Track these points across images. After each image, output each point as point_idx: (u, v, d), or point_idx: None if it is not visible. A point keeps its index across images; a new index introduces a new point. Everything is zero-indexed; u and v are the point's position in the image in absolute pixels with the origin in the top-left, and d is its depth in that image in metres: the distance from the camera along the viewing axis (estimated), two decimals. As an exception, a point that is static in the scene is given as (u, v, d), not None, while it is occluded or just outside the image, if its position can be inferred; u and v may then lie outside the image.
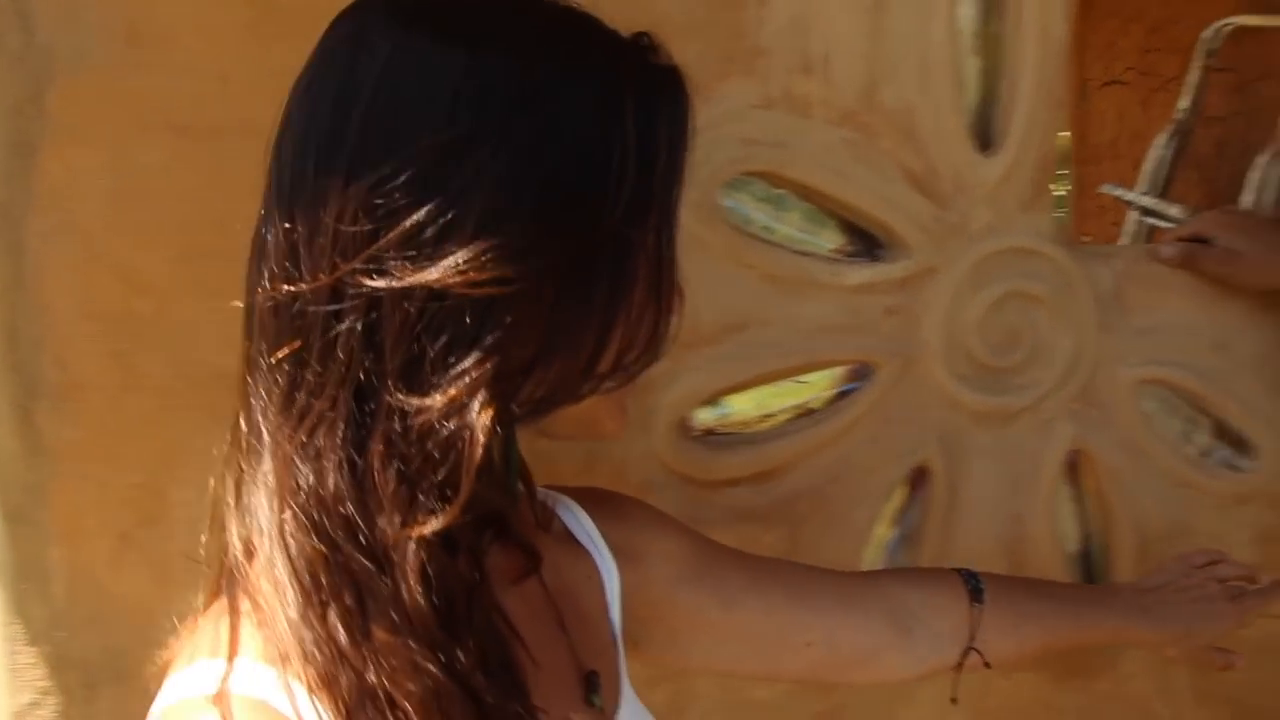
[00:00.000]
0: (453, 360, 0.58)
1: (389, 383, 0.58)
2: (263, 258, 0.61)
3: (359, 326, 0.58)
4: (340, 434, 0.59)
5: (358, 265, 0.58)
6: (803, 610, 0.91)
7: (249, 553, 0.61)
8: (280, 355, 0.60)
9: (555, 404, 0.65)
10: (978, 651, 0.98)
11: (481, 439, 0.59)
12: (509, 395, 0.61)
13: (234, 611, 0.61)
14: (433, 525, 0.58)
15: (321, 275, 0.58)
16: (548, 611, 0.75)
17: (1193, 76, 2.84)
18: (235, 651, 0.59)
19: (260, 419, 0.61)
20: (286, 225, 0.60)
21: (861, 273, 1.19)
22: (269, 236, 0.61)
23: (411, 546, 0.58)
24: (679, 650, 0.90)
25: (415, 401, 0.58)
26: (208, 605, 0.66)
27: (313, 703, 0.58)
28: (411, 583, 0.58)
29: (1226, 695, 1.48)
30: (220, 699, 0.57)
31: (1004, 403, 1.25)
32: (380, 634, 0.58)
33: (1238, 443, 1.37)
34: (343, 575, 0.58)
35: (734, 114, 1.10)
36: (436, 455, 0.59)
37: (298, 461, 0.59)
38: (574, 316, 0.62)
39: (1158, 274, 1.28)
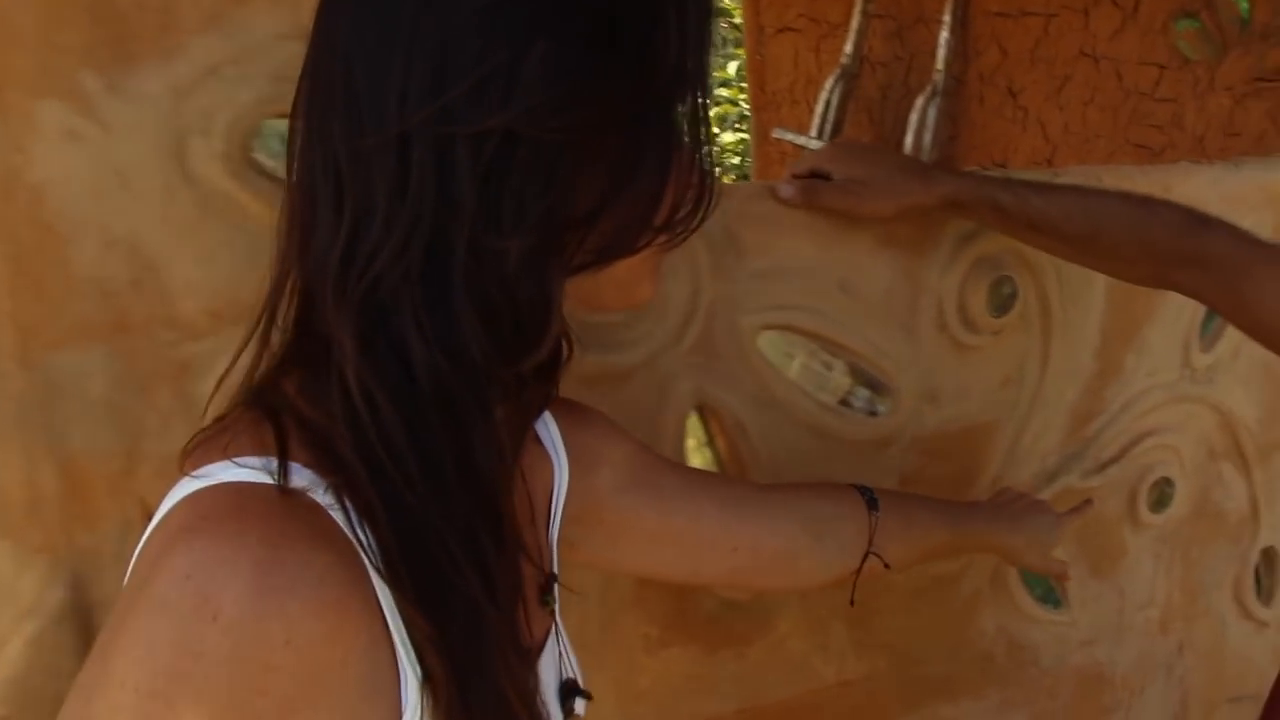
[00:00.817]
0: (526, 206, 0.59)
1: (465, 230, 0.58)
2: (314, 112, 0.61)
3: (431, 176, 0.58)
4: (414, 282, 0.59)
5: (428, 112, 0.57)
6: (731, 518, 0.97)
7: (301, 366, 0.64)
8: (344, 210, 0.60)
9: (614, 255, 0.65)
10: (877, 555, 1.05)
11: (558, 282, 0.62)
12: (577, 243, 0.63)
13: (276, 419, 0.62)
14: (522, 363, 0.62)
15: (389, 126, 0.58)
16: (522, 506, 0.76)
17: (855, 23, 2.85)
18: (286, 453, 0.60)
19: (320, 276, 0.61)
20: (347, 76, 0.59)
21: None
22: (322, 89, 0.61)
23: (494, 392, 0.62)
24: (614, 552, 0.93)
25: (495, 244, 0.59)
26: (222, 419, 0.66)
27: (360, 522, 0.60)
28: (483, 431, 0.61)
29: (882, 643, 1.44)
30: (283, 491, 0.59)
31: (614, 361, 1.14)
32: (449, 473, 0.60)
33: (873, 386, 1.32)
34: (410, 407, 0.60)
35: (259, 47, 0.92)
36: (517, 299, 0.60)
37: (370, 312, 0.59)
38: (634, 165, 0.62)
39: (774, 214, 1.20)
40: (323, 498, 0.60)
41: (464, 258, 0.59)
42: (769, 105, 3.34)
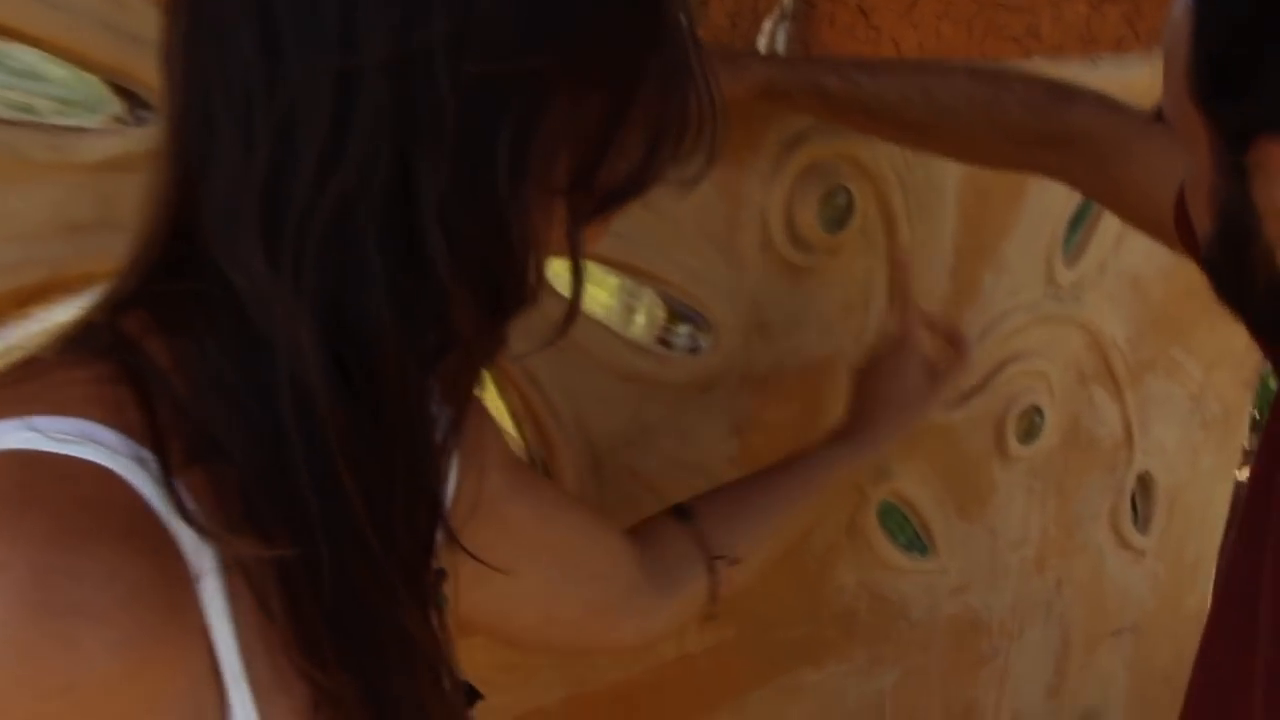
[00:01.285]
0: (514, 142, 0.48)
1: (438, 165, 0.47)
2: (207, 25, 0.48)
3: (389, 101, 0.46)
4: (374, 229, 0.47)
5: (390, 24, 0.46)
6: (594, 535, 0.86)
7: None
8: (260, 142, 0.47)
9: (628, 196, 0.56)
10: (720, 558, 0.93)
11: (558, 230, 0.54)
12: (584, 184, 0.53)
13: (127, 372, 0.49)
14: (500, 328, 0.55)
15: (329, 44, 0.46)
16: None
17: (702, -61, 2.66)
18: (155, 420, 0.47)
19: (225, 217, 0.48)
20: None
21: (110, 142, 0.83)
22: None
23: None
24: (476, 571, 0.78)
25: (481, 186, 0.48)
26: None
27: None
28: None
29: (728, 610, 1.28)
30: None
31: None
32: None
33: (691, 319, 1.15)
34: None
35: None
36: (508, 257, 0.51)
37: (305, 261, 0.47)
38: (637, 92, 0.53)
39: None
40: (146, 484, 0.46)
41: (436, 201, 0.47)
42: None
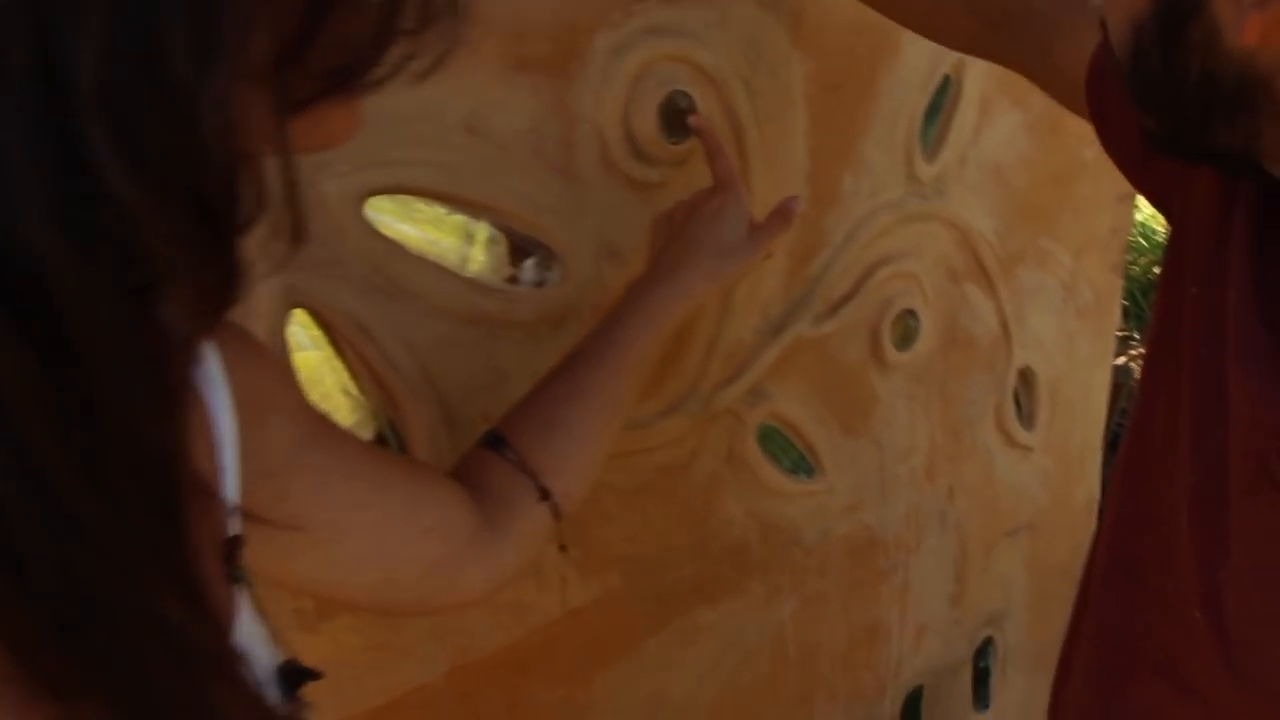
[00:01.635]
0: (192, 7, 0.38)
1: (92, 41, 0.36)
2: None
3: None
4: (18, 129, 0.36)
5: None
6: (419, 487, 0.78)
7: None
8: None
9: (344, 82, 0.47)
10: (547, 490, 0.85)
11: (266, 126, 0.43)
12: (293, 72, 0.44)
13: None
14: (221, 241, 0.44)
15: None
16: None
17: None
18: None
19: None
20: None
21: None
22: None
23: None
24: (292, 542, 0.70)
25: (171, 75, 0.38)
26: None
27: None
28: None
29: (611, 556, 1.21)
30: None
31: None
32: None
33: (537, 252, 1.06)
34: None
35: None
36: (184, 145, 0.39)
37: None
38: None
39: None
40: None
41: (94, 88, 0.37)
42: None
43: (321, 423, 0.73)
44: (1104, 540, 0.92)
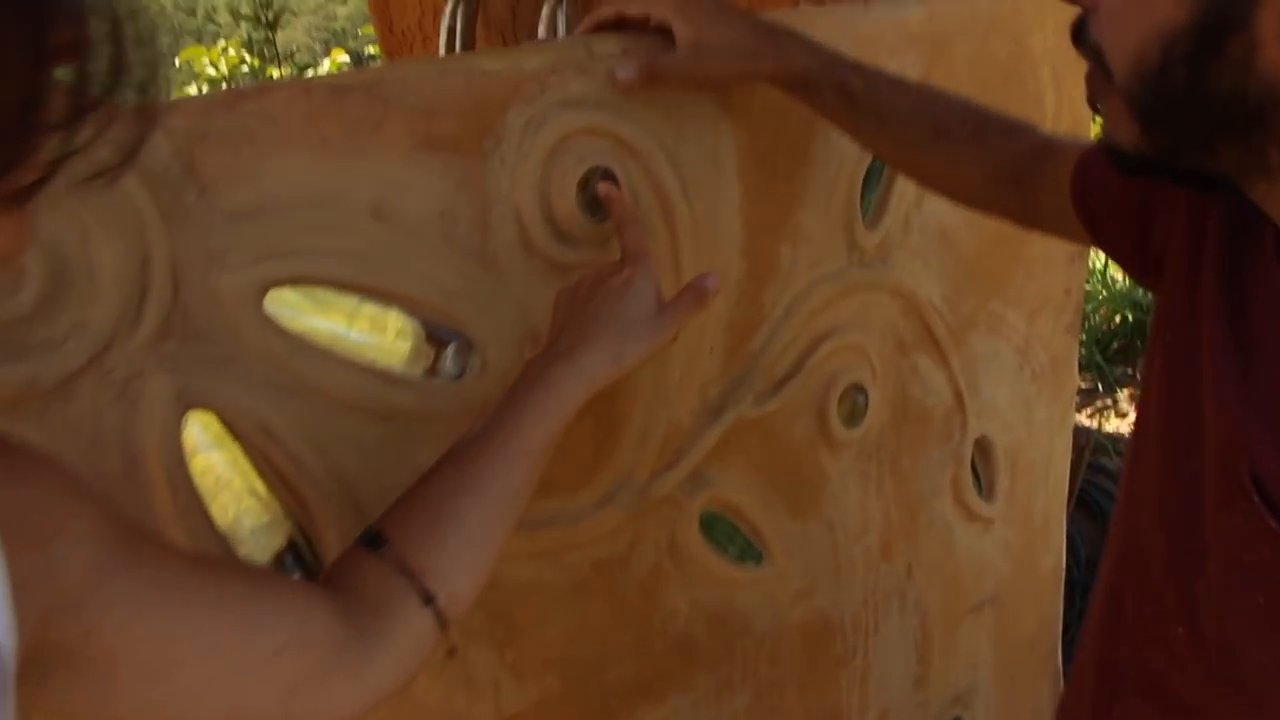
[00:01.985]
0: None
1: None
2: None
3: None
4: None
5: None
6: (265, 602, 0.70)
7: None
8: None
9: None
10: (430, 594, 0.76)
11: None
12: None
13: None
14: None
15: None
16: None
17: (466, -66, 2.51)
18: None
19: None
20: None
21: None
22: None
23: None
24: (110, 682, 0.62)
25: None
26: None
27: None
28: None
29: (548, 658, 1.14)
30: None
31: (36, 373, 0.77)
32: None
33: (453, 341, 1.00)
34: None
35: None
36: None
37: None
38: None
39: (249, 126, 0.85)
40: None
41: None
42: (401, 47, 2.96)
43: (131, 542, 0.65)
44: (1099, 588, 0.94)
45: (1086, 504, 2.93)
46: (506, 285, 0.99)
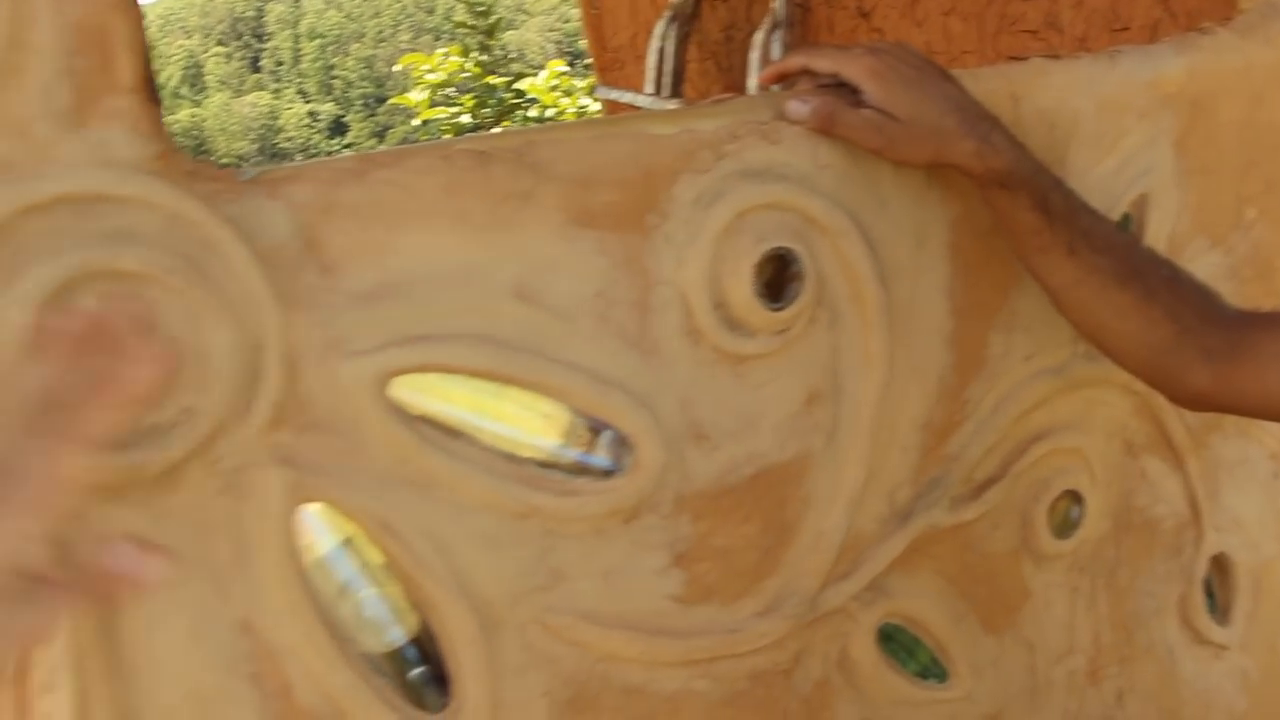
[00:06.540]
0: None
1: None
2: None
3: None
4: None
5: None
6: None
7: None
8: None
9: None
10: None
11: None
12: None
13: None
14: None
15: None
16: None
17: (683, -44, 2.42)
18: None
19: None
20: None
21: None
22: None
23: None
24: None
25: None
26: None
27: None
28: None
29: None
30: None
31: (139, 459, 0.71)
32: None
33: (604, 435, 0.90)
34: None
35: None
36: None
37: None
38: None
39: (383, 197, 0.77)
40: None
41: None
42: (613, 64, 2.90)
43: None
44: None
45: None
46: (668, 376, 0.88)
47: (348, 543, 0.84)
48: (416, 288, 0.78)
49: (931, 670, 1.16)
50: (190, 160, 0.73)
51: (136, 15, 0.71)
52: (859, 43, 1.10)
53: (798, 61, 0.94)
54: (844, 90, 0.91)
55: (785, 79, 0.95)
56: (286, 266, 0.74)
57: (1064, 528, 1.17)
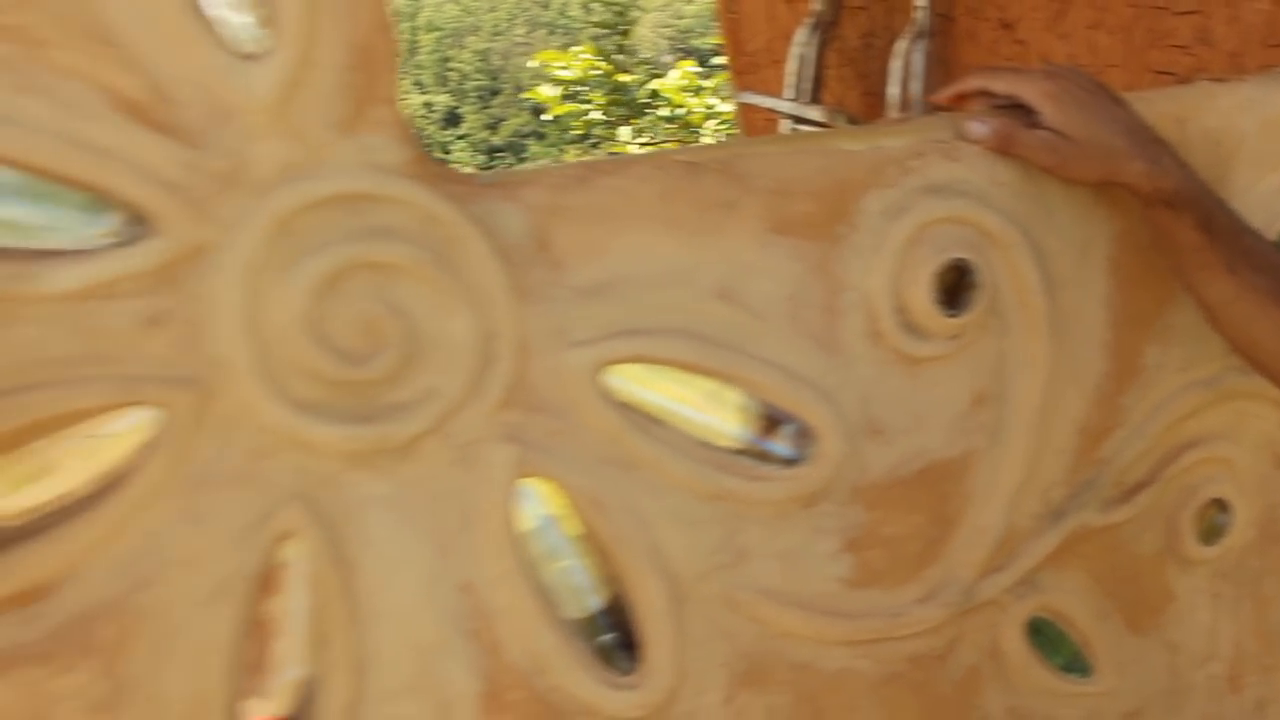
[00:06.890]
0: None
1: None
2: None
3: None
4: None
5: None
6: None
7: None
8: None
9: None
10: None
11: None
12: None
13: None
14: None
15: None
16: None
17: (825, -34, 2.48)
18: None
19: None
20: None
21: (81, 270, 0.72)
22: None
23: None
24: None
25: None
26: None
27: None
28: None
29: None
30: None
31: (386, 431, 0.80)
32: None
33: (789, 426, 0.97)
34: None
35: None
36: None
37: None
38: None
39: (604, 202, 0.85)
40: None
41: None
42: (750, 68, 2.97)
43: None
44: None
45: None
46: (850, 374, 0.95)
47: (555, 516, 0.92)
48: (631, 285, 0.86)
49: (1075, 665, 1.21)
50: (438, 164, 0.82)
51: (394, 35, 0.80)
52: (1033, 65, 1.14)
53: (976, 83, 1.00)
54: (1019, 111, 0.97)
55: (963, 100, 1.01)
56: (520, 262, 0.82)
57: (1210, 535, 1.21)
